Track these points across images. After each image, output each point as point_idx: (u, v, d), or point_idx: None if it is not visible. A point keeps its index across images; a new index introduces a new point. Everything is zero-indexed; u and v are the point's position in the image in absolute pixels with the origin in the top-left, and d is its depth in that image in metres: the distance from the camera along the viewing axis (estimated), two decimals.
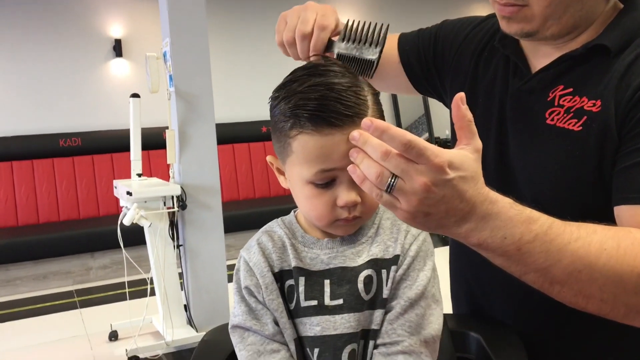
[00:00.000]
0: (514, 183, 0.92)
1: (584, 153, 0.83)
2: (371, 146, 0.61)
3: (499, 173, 0.94)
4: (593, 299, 0.70)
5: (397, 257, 0.82)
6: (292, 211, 0.89)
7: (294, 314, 0.82)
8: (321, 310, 0.80)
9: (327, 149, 0.75)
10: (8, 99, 5.48)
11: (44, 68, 5.58)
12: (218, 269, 3.70)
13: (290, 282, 0.83)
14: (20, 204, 5.34)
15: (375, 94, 0.82)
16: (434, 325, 0.82)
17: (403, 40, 1.17)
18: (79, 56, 5.72)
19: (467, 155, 0.64)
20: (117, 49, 5.85)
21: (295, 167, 0.79)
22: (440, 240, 5.52)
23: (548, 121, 0.88)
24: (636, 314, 0.70)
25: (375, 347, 0.81)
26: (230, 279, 3.89)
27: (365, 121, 0.61)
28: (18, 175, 5.37)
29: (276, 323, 0.82)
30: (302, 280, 0.82)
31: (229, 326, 0.85)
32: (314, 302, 0.81)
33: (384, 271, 0.82)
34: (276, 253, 0.84)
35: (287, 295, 0.83)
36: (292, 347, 0.82)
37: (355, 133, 0.63)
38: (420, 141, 0.60)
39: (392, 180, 0.61)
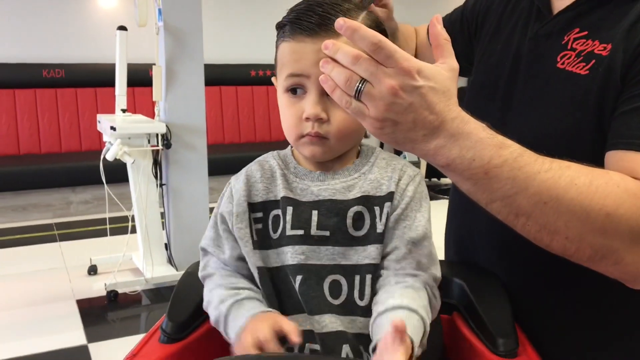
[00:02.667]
0: (517, 134, 0.91)
1: (587, 98, 0.82)
2: (342, 52, 0.62)
3: (502, 128, 0.93)
4: (558, 235, 0.69)
5: (391, 194, 0.81)
6: (290, 146, 0.88)
7: (275, 244, 0.82)
8: (307, 239, 0.80)
9: (298, 54, 0.78)
10: None
11: None
12: (200, 210, 3.69)
13: (277, 212, 0.83)
14: (0, 134, 5.24)
15: (375, 21, 0.83)
16: (438, 267, 0.83)
17: None
18: None
19: (440, 71, 0.64)
20: None
21: (278, 78, 0.82)
22: (440, 192, 5.62)
23: (559, 65, 0.87)
24: (602, 258, 0.69)
25: (380, 281, 0.81)
26: None
27: (339, 20, 0.61)
28: None
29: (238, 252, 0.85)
30: (289, 209, 0.81)
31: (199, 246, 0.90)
32: (301, 232, 0.81)
33: (376, 208, 0.81)
34: (263, 183, 0.84)
35: (272, 225, 0.83)
36: (256, 274, 0.83)
37: (328, 41, 0.63)
38: (391, 44, 0.60)
39: (361, 84, 0.62)
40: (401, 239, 0.80)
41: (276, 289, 0.82)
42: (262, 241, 0.84)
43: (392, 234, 0.81)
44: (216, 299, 0.83)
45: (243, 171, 0.87)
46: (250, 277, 0.85)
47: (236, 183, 0.86)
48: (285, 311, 0.81)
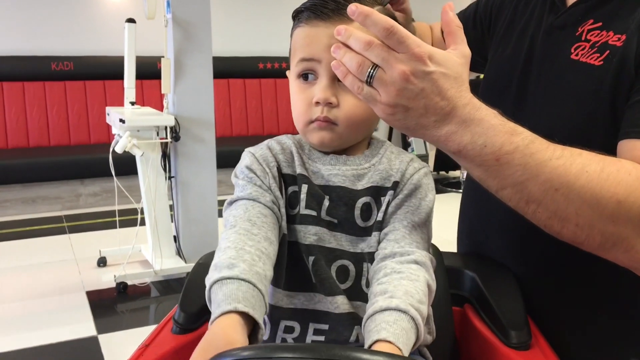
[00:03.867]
0: (531, 125, 0.90)
1: (601, 88, 0.82)
2: (354, 38, 0.62)
3: (516, 119, 0.92)
4: (568, 222, 0.68)
5: (396, 183, 0.81)
6: None
7: (294, 220, 0.82)
8: (319, 221, 0.80)
9: (310, 38, 0.78)
10: None
11: None
12: (209, 203, 3.70)
13: (294, 188, 0.82)
14: (10, 126, 5.27)
15: (389, 15, 0.82)
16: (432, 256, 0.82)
17: None
18: None
19: (452, 57, 0.64)
20: None
21: (291, 64, 0.82)
22: (449, 185, 5.61)
23: (573, 56, 0.87)
24: (612, 246, 0.69)
25: (379, 260, 0.78)
26: (220, 214, 3.90)
27: (351, 6, 0.61)
28: (8, 97, 5.27)
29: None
30: (304, 187, 0.81)
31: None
32: (314, 213, 0.80)
33: (383, 199, 0.81)
34: (284, 156, 0.84)
35: (290, 202, 0.82)
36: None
37: (340, 27, 0.63)
38: (404, 30, 0.60)
39: (373, 70, 0.62)
40: (402, 221, 0.79)
41: (288, 263, 0.81)
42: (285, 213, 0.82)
43: (393, 219, 0.80)
44: (215, 261, 0.72)
45: (262, 144, 0.85)
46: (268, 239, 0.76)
47: (258, 150, 0.84)
48: (296, 287, 0.81)
